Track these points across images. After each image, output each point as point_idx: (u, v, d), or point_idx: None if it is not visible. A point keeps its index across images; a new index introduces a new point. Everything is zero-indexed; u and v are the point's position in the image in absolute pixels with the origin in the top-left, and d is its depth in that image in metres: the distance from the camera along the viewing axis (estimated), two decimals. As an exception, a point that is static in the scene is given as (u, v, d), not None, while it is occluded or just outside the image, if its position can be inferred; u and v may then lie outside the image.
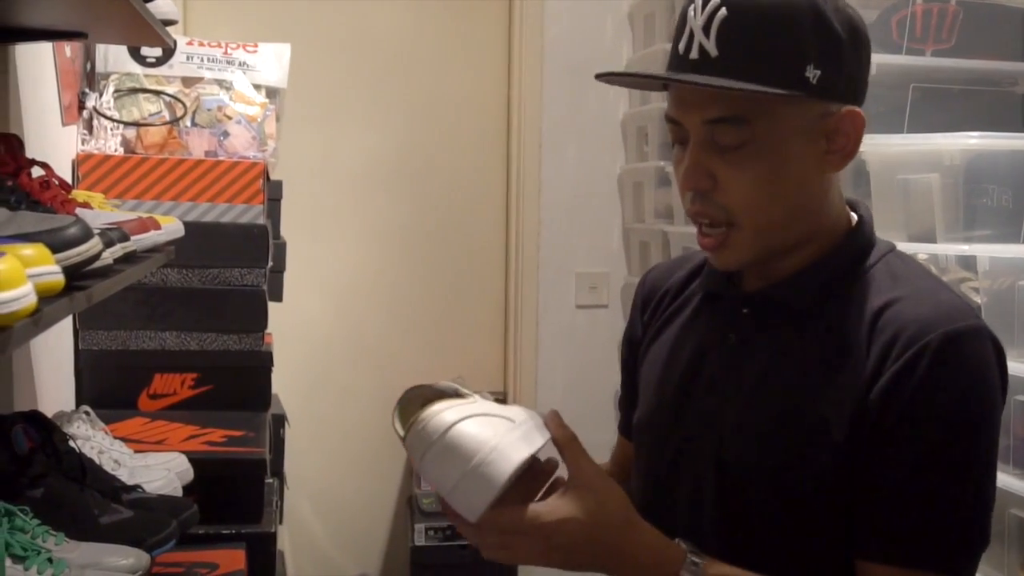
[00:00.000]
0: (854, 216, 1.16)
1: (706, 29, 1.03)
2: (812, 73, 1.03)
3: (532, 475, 1.07)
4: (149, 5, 1.57)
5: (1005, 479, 1.79)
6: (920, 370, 1.00)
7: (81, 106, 2.40)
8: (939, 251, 1.77)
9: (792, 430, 1.06)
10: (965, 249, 1.73)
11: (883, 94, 2.05)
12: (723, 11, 1.02)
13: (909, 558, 1.01)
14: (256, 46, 2.63)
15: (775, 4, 1.03)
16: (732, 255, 1.10)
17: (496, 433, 1.01)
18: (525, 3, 3.38)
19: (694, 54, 1.04)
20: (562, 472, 1.09)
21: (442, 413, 1.02)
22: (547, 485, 1.08)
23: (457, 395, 1.07)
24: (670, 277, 1.29)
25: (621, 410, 1.37)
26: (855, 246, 1.12)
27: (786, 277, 1.12)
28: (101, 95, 2.44)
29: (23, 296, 0.72)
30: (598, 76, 1.12)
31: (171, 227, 1.62)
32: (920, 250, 1.82)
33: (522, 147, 3.42)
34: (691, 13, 1.05)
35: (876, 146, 1.96)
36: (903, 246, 1.85)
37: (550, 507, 1.02)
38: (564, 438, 1.06)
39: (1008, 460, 1.84)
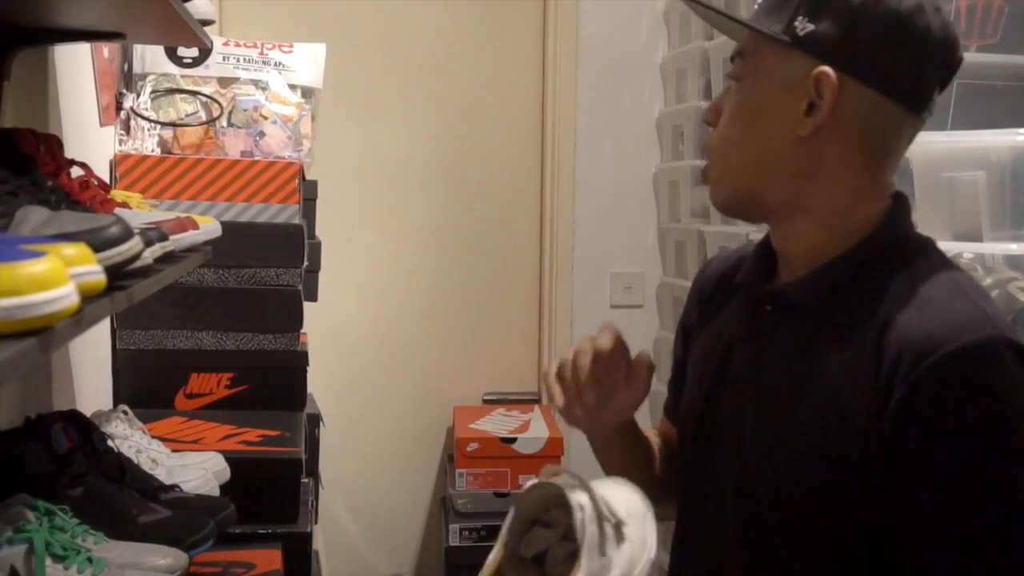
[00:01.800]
0: (884, 207, 1.09)
1: None
2: (802, 24, 1.04)
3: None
4: (187, 5, 1.57)
5: None
6: (927, 398, 0.92)
7: (119, 107, 2.42)
8: (985, 250, 1.74)
9: (801, 442, 1.02)
10: (1013, 248, 1.69)
11: (926, 91, 2.02)
12: None
13: None
14: (291, 46, 2.63)
15: None
16: (712, 188, 1.13)
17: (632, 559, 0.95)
18: (560, 2, 3.36)
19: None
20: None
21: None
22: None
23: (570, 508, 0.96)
24: (725, 267, 1.27)
25: (669, 391, 1.36)
26: (880, 240, 1.06)
27: (804, 274, 1.08)
28: (138, 96, 2.45)
29: (65, 296, 0.72)
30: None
31: (209, 227, 1.62)
32: (966, 249, 1.78)
33: (557, 146, 3.40)
34: None
35: (920, 143, 1.91)
36: (948, 245, 1.82)
37: None
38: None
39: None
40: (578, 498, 0.95)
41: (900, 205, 1.10)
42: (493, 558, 1.00)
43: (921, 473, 0.93)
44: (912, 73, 1.05)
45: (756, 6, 1.11)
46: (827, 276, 1.06)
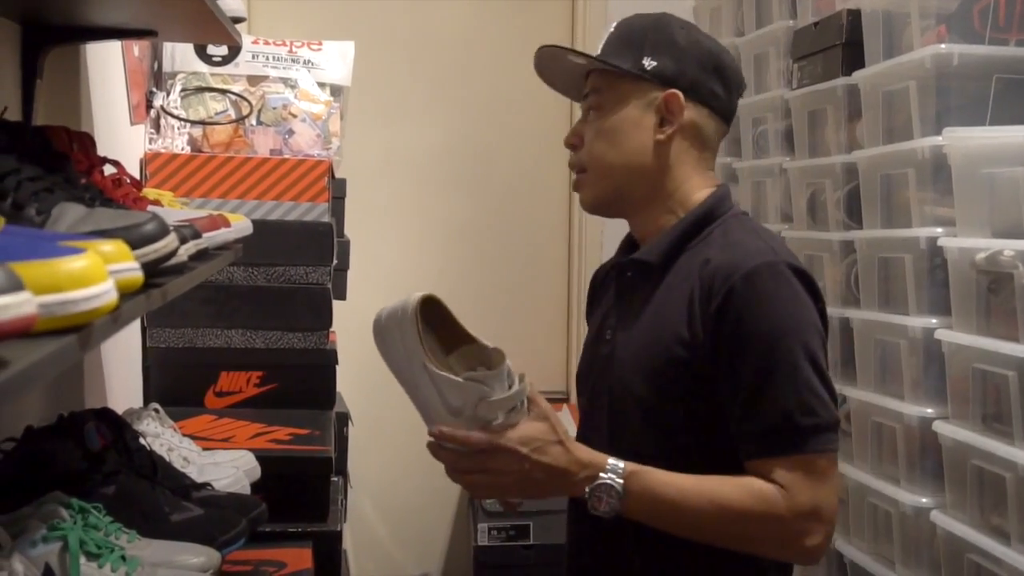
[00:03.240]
0: (705, 192, 1.44)
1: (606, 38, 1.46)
2: (648, 62, 1.41)
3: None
4: (219, 2, 1.57)
5: (968, 435, 1.88)
6: (732, 304, 1.29)
7: (149, 105, 2.42)
8: (1026, 248, 1.70)
9: (650, 361, 1.35)
10: (1054, 246, 1.66)
11: (965, 86, 1.98)
12: (611, 28, 1.47)
13: (774, 448, 1.27)
14: (320, 44, 2.63)
15: (635, 22, 1.45)
16: (584, 194, 1.47)
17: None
18: (588, 2, 3.35)
19: (598, 51, 1.46)
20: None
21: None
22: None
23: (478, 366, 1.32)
24: (606, 269, 1.58)
25: None
26: (700, 215, 1.41)
27: (650, 242, 1.43)
28: (168, 94, 2.45)
29: (104, 292, 0.71)
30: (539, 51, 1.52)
31: (240, 225, 1.61)
32: (1006, 247, 1.75)
33: (585, 144, 3.38)
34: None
35: (958, 139, 1.90)
36: (987, 242, 1.80)
37: (520, 428, 1.27)
38: (453, 439, 1.30)
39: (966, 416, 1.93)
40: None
41: (721, 190, 1.46)
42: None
43: (733, 355, 1.29)
44: (724, 93, 1.45)
45: (599, 52, 1.44)
46: (666, 239, 1.41)
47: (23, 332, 0.58)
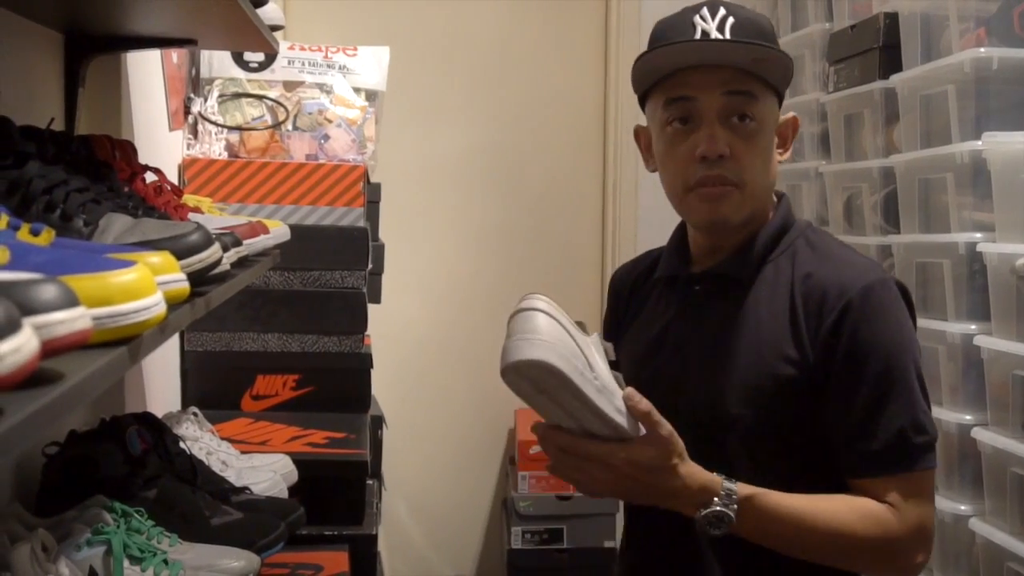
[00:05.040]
0: (774, 198, 1.39)
1: (720, 29, 1.28)
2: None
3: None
4: (258, 11, 1.58)
5: (1007, 442, 1.87)
6: (849, 320, 1.24)
7: (187, 111, 2.45)
8: (1068, 254, 1.69)
9: (747, 378, 1.28)
10: (1097, 252, 1.64)
11: (1004, 90, 1.96)
12: (732, 19, 1.29)
13: (887, 466, 1.24)
14: (355, 49, 2.64)
15: (757, 19, 1.33)
16: (731, 211, 1.31)
17: (554, 337, 1.11)
18: (622, 2, 3.34)
19: (714, 38, 1.28)
20: None
21: (538, 300, 1.15)
22: None
23: (573, 323, 1.17)
24: (632, 274, 1.51)
25: None
26: (779, 223, 1.36)
27: (729, 254, 1.35)
28: (206, 100, 2.48)
29: (154, 305, 0.72)
30: (639, 59, 1.32)
31: (279, 231, 1.63)
32: (1048, 253, 1.73)
33: (619, 147, 3.38)
34: (698, 19, 1.30)
35: (998, 143, 1.89)
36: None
37: (628, 449, 1.18)
38: (643, 411, 1.18)
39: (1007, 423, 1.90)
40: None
41: (785, 198, 1.41)
42: None
43: (849, 372, 1.25)
44: None
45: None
46: (751, 251, 1.34)
47: (79, 346, 0.59)
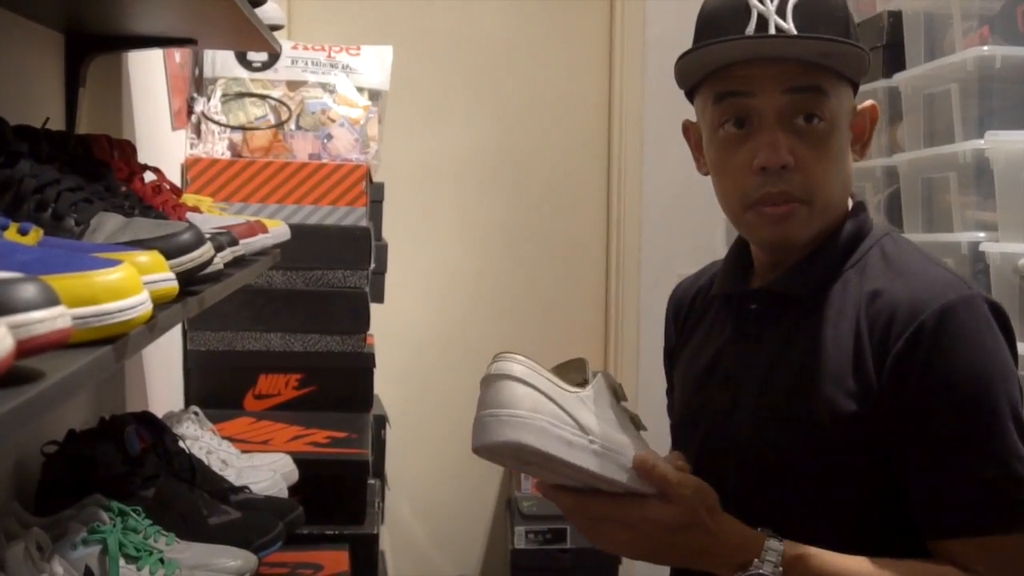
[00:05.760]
0: (850, 202, 1.19)
1: (781, 12, 1.08)
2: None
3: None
4: (257, 10, 1.59)
5: None
6: (923, 347, 1.04)
7: (190, 111, 2.45)
8: (1070, 253, 1.68)
9: (802, 413, 1.10)
10: (1099, 251, 1.64)
11: (1007, 89, 1.96)
12: None
13: (974, 527, 1.03)
14: (359, 49, 2.64)
15: (839, 2, 1.13)
16: (796, 230, 1.12)
17: (532, 410, 0.99)
18: (626, 2, 3.34)
19: (772, 31, 1.08)
20: None
21: (512, 364, 1.02)
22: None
23: (584, 381, 1.05)
24: (694, 287, 1.33)
25: (670, 416, 1.37)
26: (851, 233, 1.15)
27: (789, 268, 1.15)
28: (209, 100, 2.48)
29: (140, 304, 0.72)
30: (681, 57, 1.13)
31: (278, 230, 1.63)
32: (1050, 252, 1.73)
33: (623, 146, 3.38)
34: (756, 1, 1.09)
35: (1001, 143, 1.88)
36: (1029, 248, 1.77)
37: (643, 508, 1.03)
38: (658, 481, 1.02)
39: None
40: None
41: (860, 202, 1.20)
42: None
43: (924, 411, 1.04)
44: None
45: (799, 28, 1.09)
46: (814, 267, 1.14)
47: (59, 345, 0.59)
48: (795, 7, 1.08)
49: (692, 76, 1.14)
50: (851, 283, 1.12)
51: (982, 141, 1.93)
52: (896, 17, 2.31)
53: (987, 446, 1.04)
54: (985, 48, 1.95)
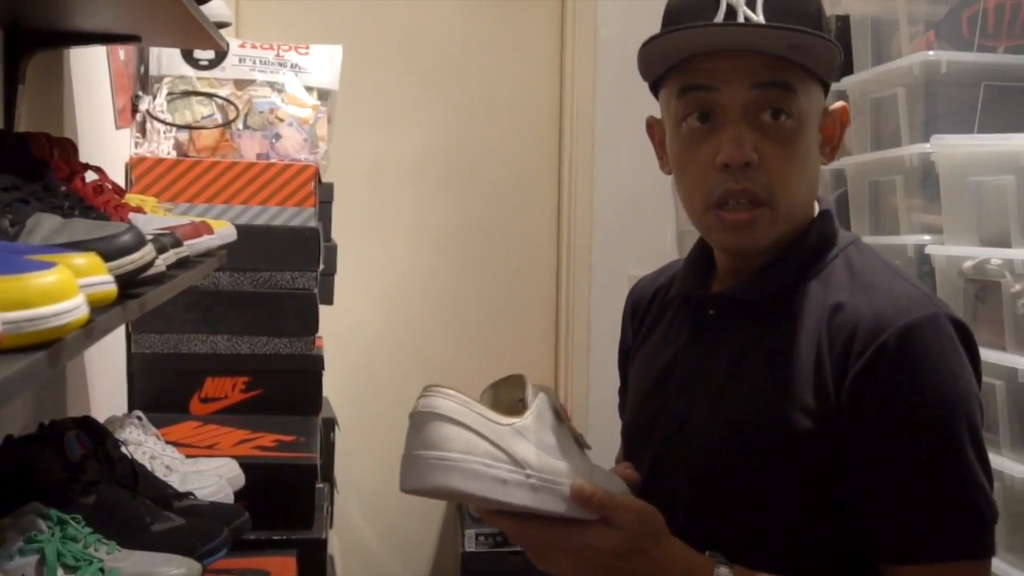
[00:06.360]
0: (816, 207, 1.14)
1: (750, 3, 1.04)
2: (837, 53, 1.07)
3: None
4: (203, 8, 1.56)
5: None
6: (883, 368, 1.00)
7: (134, 109, 2.41)
8: (1014, 256, 1.70)
9: (756, 427, 1.06)
10: (1043, 255, 1.66)
11: (953, 93, 1.98)
12: None
13: (927, 553, 1.01)
14: (308, 48, 2.61)
15: None
16: (759, 236, 1.08)
17: (461, 451, 0.95)
18: (578, 3, 3.34)
19: (740, 21, 1.04)
20: None
21: (440, 400, 0.97)
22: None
23: (523, 405, 1.01)
24: (653, 286, 1.29)
25: (621, 416, 1.33)
26: (816, 240, 1.11)
27: (751, 274, 1.11)
28: (154, 98, 2.44)
29: (75, 308, 0.70)
30: (645, 44, 1.09)
31: (224, 231, 1.60)
32: (994, 255, 1.75)
33: (574, 148, 3.38)
34: None
35: (946, 147, 1.90)
36: (975, 251, 1.79)
37: (585, 533, 0.98)
38: (597, 508, 0.97)
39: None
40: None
41: (827, 205, 1.15)
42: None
43: (882, 433, 1.01)
44: None
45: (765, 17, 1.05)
46: (774, 274, 1.10)
47: (-13, 351, 0.57)
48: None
49: (656, 67, 1.10)
50: (814, 294, 1.08)
51: (928, 145, 1.95)
52: (844, 21, 2.33)
53: (944, 472, 1.01)
54: (931, 53, 1.97)
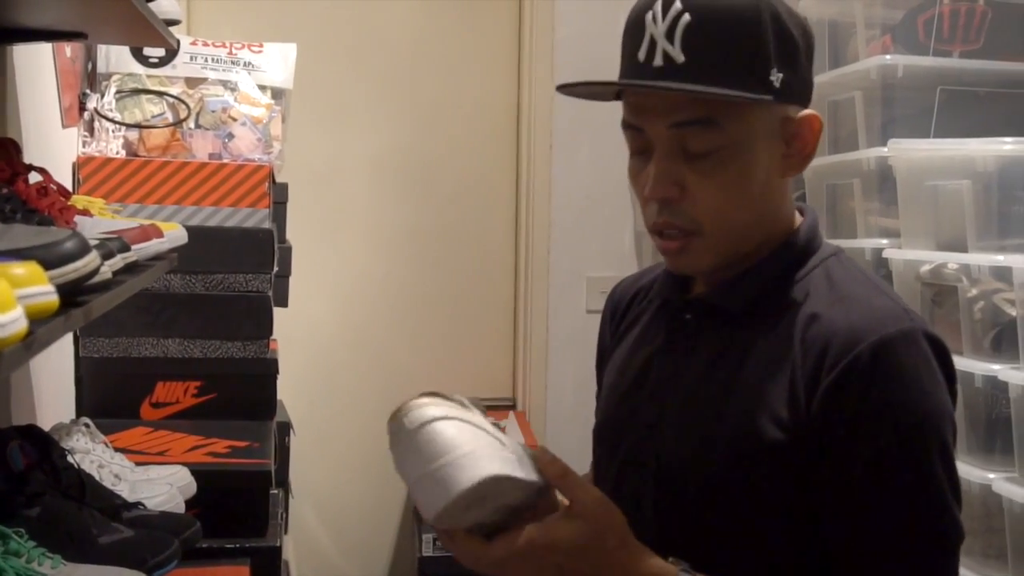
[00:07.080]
0: (798, 218, 1.14)
1: (670, 35, 1.03)
2: (776, 76, 1.03)
3: (534, 514, 1.02)
4: (151, 4, 1.51)
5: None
6: (855, 382, 0.99)
7: (82, 108, 2.35)
8: (971, 260, 1.71)
9: (726, 435, 1.05)
10: (1000, 259, 1.66)
11: (909, 97, 1.99)
12: (687, 17, 1.02)
13: (889, 572, 1.00)
14: (261, 46, 2.57)
15: (738, 9, 1.03)
16: (693, 261, 1.09)
17: (475, 442, 0.96)
18: (535, 4, 3.32)
19: (658, 61, 1.04)
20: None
21: (427, 407, 0.97)
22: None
23: (462, 406, 1.01)
24: (634, 287, 1.29)
25: (596, 417, 1.32)
26: (795, 250, 1.11)
27: (726, 281, 1.11)
28: (103, 96, 2.38)
29: (12, 321, 0.67)
30: (559, 88, 1.11)
31: (174, 234, 1.56)
32: (951, 259, 1.75)
33: (532, 149, 3.36)
34: (649, 20, 1.04)
35: (903, 151, 1.91)
36: (932, 255, 1.80)
37: (546, 528, 0.99)
38: (556, 473, 1.00)
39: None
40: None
41: (811, 215, 1.15)
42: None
43: (851, 450, 1.00)
44: (812, 75, 1.12)
45: (693, 68, 1.02)
46: (751, 282, 1.10)
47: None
48: (686, 29, 1.01)
49: (602, 96, 1.14)
50: (791, 302, 1.07)
51: (885, 149, 1.96)
52: (801, 24, 2.34)
53: (910, 491, 0.99)
54: (888, 57, 1.98)
